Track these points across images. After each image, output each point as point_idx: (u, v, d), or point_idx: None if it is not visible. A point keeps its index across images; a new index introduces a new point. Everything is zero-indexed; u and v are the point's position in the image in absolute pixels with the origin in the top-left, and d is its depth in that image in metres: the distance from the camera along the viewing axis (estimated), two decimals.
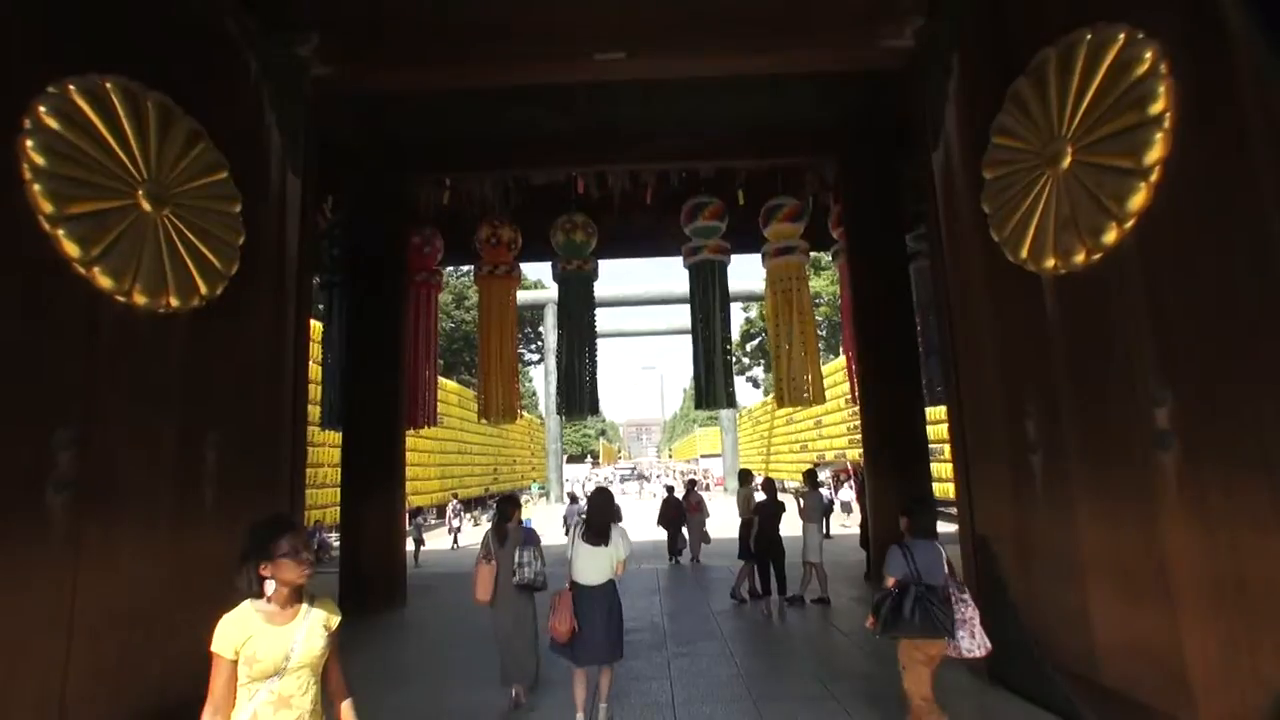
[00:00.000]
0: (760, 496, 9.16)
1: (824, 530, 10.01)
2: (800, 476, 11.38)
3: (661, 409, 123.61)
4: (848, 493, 18.79)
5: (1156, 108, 3.76)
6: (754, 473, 10.50)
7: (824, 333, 32.05)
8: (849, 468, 20.47)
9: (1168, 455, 3.77)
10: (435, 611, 8.83)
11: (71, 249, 3.84)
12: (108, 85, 4.11)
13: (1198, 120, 3.62)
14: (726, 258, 10.94)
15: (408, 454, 10.37)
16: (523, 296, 24.75)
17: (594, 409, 11.06)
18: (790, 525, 8.68)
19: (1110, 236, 4.08)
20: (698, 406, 11.45)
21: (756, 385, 44.30)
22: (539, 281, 36.15)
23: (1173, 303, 3.76)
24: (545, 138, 9.37)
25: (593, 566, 4.68)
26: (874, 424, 9.39)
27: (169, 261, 4.42)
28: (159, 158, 4.41)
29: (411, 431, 10.49)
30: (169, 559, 4.32)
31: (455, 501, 19.04)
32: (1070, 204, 4.36)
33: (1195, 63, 3.62)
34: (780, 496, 9.27)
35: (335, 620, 2.42)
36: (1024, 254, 4.77)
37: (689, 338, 12.26)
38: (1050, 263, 4.55)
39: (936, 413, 11.60)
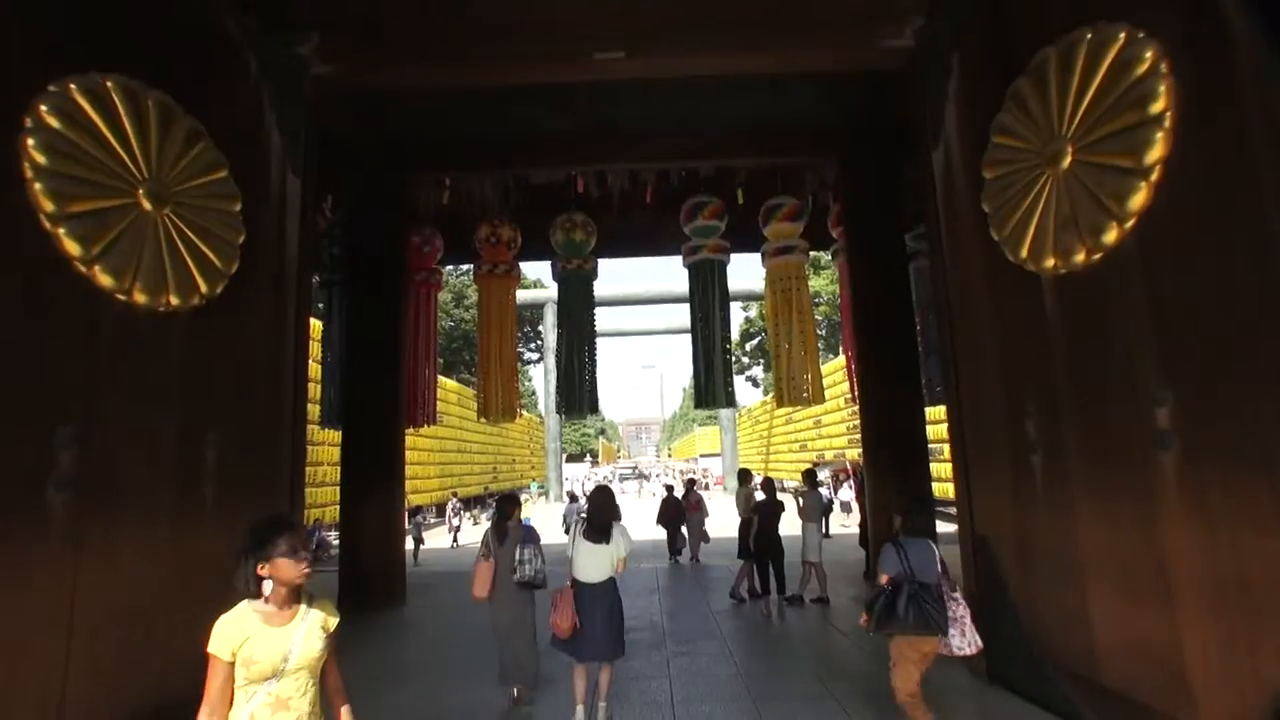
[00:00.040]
0: (760, 496, 9.17)
1: (823, 530, 10.02)
2: (799, 476, 11.38)
3: (661, 408, 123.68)
4: (847, 492, 18.80)
5: (1157, 107, 3.76)
6: (753, 472, 10.51)
7: (823, 332, 32.07)
8: (848, 467, 20.48)
9: (1168, 455, 3.77)
10: (435, 610, 8.83)
11: (72, 247, 3.83)
12: (108, 84, 4.11)
13: (1198, 120, 3.62)
14: (726, 257, 10.94)
15: (407, 453, 10.37)
16: (522, 295, 24.78)
17: (593, 408, 11.06)
18: (789, 525, 8.69)
19: (1110, 236, 4.08)
20: (697, 406, 11.45)
21: (756, 384, 44.34)
22: (538, 281, 36.15)
23: (1173, 302, 3.76)
24: (545, 137, 9.37)
25: (594, 564, 4.70)
26: (873, 423, 9.39)
27: (169, 260, 4.42)
28: (159, 157, 4.41)
29: (411, 430, 10.49)
30: (169, 558, 4.32)
31: (455, 500, 19.04)
32: (1070, 203, 4.37)
33: (1196, 62, 3.62)
34: (779, 496, 9.29)
35: (334, 621, 2.40)
36: (1024, 253, 4.77)
37: (688, 337, 12.26)
38: (1050, 262, 4.55)
39: (936, 413, 11.61)
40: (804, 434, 30.86)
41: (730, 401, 11.13)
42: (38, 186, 3.70)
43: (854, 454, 20.78)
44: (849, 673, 5.76)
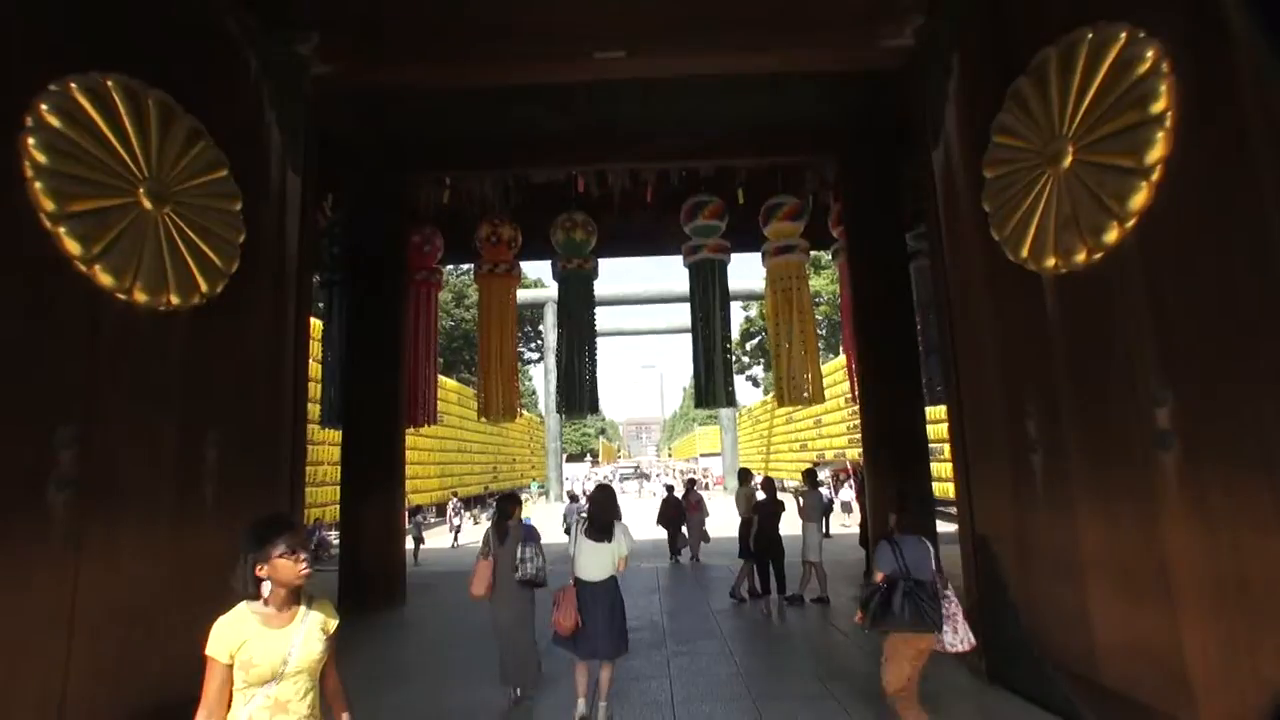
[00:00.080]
0: (760, 496, 9.17)
1: (823, 529, 10.02)
2: (800, 476, 11.38)
3: (661, 408, 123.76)
4: (848, 492, 18.78)
5: (1158, 106, 3.76)
6: (753, 472, 10.51)
7: (824, 332, 32.06)
8: (849, 467, 20.48)
9: (1168, 455, 3.77)
10: (435, 610, 8.83)
11: (73, 247, 3.84)
12: (109, 83, 4.11)
13: (1199, 120, 3.62)
14: (726, 256, 10.93)
15: (407, 452, 10.37)
16: (523, 295, 24.75)
17: (594, 408, 11.05)
18: (790, 524, 8.69)
19: (1111, 236, 4.08)
20: (697, 405, 11.45)
21: (756, 384, 44.34)
22: (539, 280, 36.14)
23: (1174, 302, 3.76)
24: (545, 136, 9.36)
25: (596, 563, 4.74)
26: (873, 423, 9.38)
27: (169, 259, 4.42)
28: (160, 156, 4.41)
29: (411, 430, 10.48)
30: (169, 557, 4.32)
31: (455, 500, 19.06)
32: (1071, 203, 4.36)
33: (1196, 62, 3.62)
34: (780, 496, 9.28)
35: (334, 623, 2.37)
36: (1024, 253, 4.77)
37: (689, 336, 12.26)
38: (1051, 262, 4.55)
39: (936, 412, 11.60)
40: (804, 434, 30.85)
41: (730, 401, 11.12)
42: (38, 185, 3.70)
43: (854, 454, 20.78)
44: (849, 672, 5.76)
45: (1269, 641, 3.27)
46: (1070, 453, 4.54)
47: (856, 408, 10.73)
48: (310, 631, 2.28)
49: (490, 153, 9.60)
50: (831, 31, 6.47)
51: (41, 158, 3.72)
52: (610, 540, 4.73)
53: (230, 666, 2.16)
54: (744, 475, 10.29)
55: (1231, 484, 3.44)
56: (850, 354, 10.97)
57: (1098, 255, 4.21)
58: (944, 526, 9.48)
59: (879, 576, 4.15)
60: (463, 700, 5.37)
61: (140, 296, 4.21)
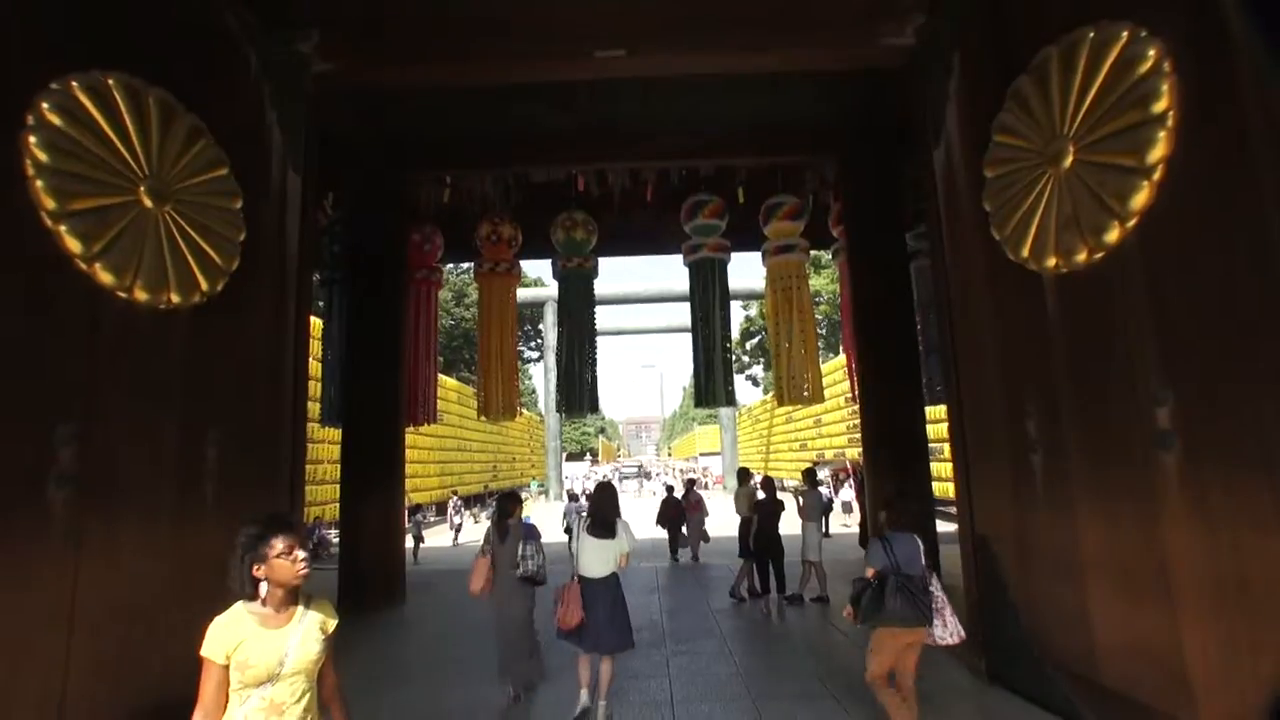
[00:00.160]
0: (760, 495, 9.17)
1: (823, 529, 10.02)
2: (799, 475, 11.38)
3: (661, 407, 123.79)
4: (848, 492, 18.79)
5: (1160, 106, 3.76)
6: (753, 471, 10.51)
7: (824, 331, 32.07)
8: (848, 467, 20.48)
9: (1169, 455, 3.77)
10: (434, 608, 8.83)
11: (73, 245, 3.84)
12: (110, 82, 4.11)
13: (1200, 119, 3.62)
14: (726, 256, 10.93)
15: (407, 451, 10.37)
16: (523, 294, 24.73)
17: (594, 407, 11.06)
18: (789, 524, 8.69)
19: (1112, 235, 4.08)
20: (697, 404, 11.44)
21: (756, 383, 44.35)
22: (539, 279, 36.13)
23: (1174, 302, 3.76)
24: (545, 135, 9.36)
25: (598, 560, 4.79)
26: (873, 423, 9.38)
27: (170, 258, 4.42)
28: (160, 154, 4.41)
29: (411, 428, 10.49)
30: (170, 555, 4.32)
31: (456, 499, 19.07)
32: (1072, 202, 4.36)
33: (1198, 61, 3.61)
34: (779, 495, 9.28)
35: (332, 624, 2.35)
36: (1025, 253, 4.76)
37: (689, 336, 12.26)
38: (1051, 261, 4.54)
39: (936, 412, 11.61)
40: (804, 433, 30.86)
41: (730, 400, 11.12)
42: (39, 184, 3.70)
43: (854, 453, 20.78)
44: (848, 672, 5.75)
45: (1269, 641, 3.28)
46: (1070, 453, 4.54)
47: (856, 407, 10.73)
48: (308, 632, 2.26)
49: (490, 151, 9.60)
50: (832, 31, 6.46)
51: (42, 156, 3.72)
52: (612, 537, 4.80)
53: (226, 667, 2.14)
54: (743, 475, 10.28)
55: (1231, 484, 3.44)
56: (850, 353, 10.97)
57: (1098, 255, 4.21)
58: (944, 526, 9.49)
59: (870, 572, 4.20)
60: (463, 698, 5.37)
61: (141, 294, 4.21)
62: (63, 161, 3.82)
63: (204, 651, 2.14)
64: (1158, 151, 3.77)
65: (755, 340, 37.93)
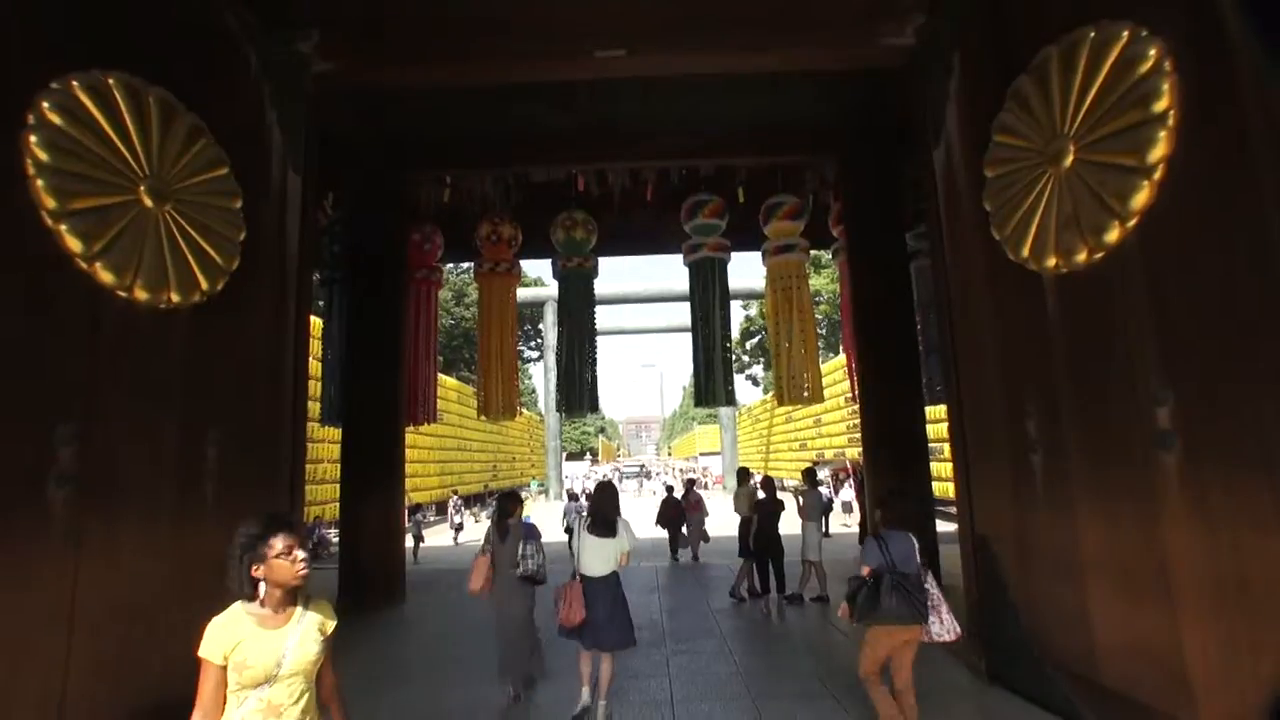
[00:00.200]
0: (760, 495, 9.17)
1: (823, 528, 10.02)
2: (799, 475, 11.38)
3: (661, 406, 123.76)
4: (848, 492, 18.78)
5: (1160, 105, 3.76)
6: (753, 471, 10.50)
7: (824, 331, 32.07)
8: (848, 466, 20.47)
9: (1169, 455, 3.77)
10: (434, 608, 8.84)
11: (74, 244, 3.84)
12: (110, 81, 4.11)
13: (1200, 119, 3.62)
14: (726, 255, 10.93)
15: (407, 450, 10.38)
16: (523, 294, 24.73)
17: (593, 406, 11.06)
18: (789, 523, 8.69)
19: (1112, 235, 4.08)
20: (697, 404, 11.44)
21: (756, 383, 44.35)
22: (539, 279, 36.12)
23: (1175, 302, 3.76)
24: (546, 135, 9.36)
25: (599, 558, 4.81)
26: (873, 423, 9.38)
27: (170, 257, 4.42)
28: (161, 153, 4.41)
29: (411, 428, 10.49)
30: (170, 555, 4.32)
31: (456, 498, 19.07)
32: (1072, 202, 4.36)
33: (1198, 61, 3.61)
34: (779, 495, 9.28)
35: (331, 624, 2.33)
36: (1025, 253, 4.76)
37: (689, 335, 12.26)
38: (1052, 261, 4.54)
39: (936, 412, 11.61)
40: (804, 433, 30.87)
41: (730, 400, 11.13)
42: (40, 183, 3.70)
43: (854, 453, 20.78)
44: (848, 671, 5.74)
45: (1269, 641, 3.28)
46: (1070, 452, 4.54)
47: (856, 407, 10.73)
48: (306, 633, 2.24)
49: (490, 151, 9.60)
50: (832, 31, 6.46)
51: (43, 155, 3.72)
52: (613, 536, 4.82)
53: (224, 668, 2.12)
54: (743, 474, 10.27)
55: (1231, 484, 3.44)
56: (850, 353, 10.97)
57: (1099, 255, 4.21)
58: (944, 526, 9.49)
59: (865, 571, 4.21)
60: (462, 698, 5.37)
61: (141, 294, 4.21)
62: (63, 161, 3.82)
63: (202, 652, 2.13)
64: (1158, 151, 3.77)
65: (755, 340, 37.94)
